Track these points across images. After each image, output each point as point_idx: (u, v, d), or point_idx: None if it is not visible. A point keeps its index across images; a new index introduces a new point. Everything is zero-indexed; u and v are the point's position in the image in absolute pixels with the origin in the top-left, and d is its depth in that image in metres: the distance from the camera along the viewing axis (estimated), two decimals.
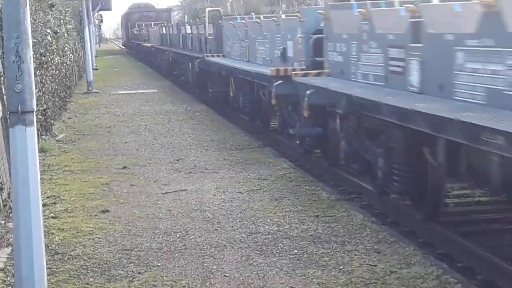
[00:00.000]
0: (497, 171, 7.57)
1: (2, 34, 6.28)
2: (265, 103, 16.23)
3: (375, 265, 7.44)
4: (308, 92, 11.61)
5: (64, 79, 21.93)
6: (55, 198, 10.45)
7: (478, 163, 8.12)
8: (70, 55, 25.78)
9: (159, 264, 7.62)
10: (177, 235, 8.62)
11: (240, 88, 18.34)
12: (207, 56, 21.31)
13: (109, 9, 57.62)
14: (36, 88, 6.15)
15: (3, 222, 8.80)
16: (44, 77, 15.67)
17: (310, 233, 8.58)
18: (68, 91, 24.25)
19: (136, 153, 14.24)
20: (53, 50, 18.12)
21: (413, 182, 9.08)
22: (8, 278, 7.12)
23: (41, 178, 6.93)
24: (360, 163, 10.77)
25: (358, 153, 10.77)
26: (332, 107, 10.90)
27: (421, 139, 8.56)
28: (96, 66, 39.78)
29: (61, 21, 22.66)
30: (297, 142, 13.56)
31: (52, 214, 9.56)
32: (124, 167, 12.71)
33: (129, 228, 8.94)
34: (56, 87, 18.71)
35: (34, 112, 5.59)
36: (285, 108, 14.11)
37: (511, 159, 6.51)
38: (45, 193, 10.60)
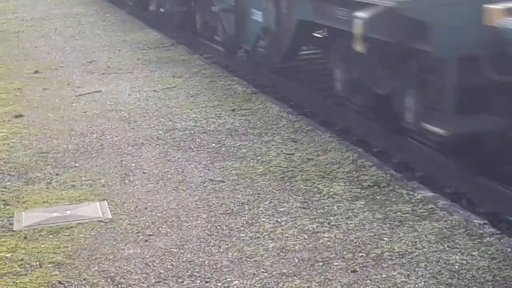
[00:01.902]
0: None
1: None
2: None
3: (292, 154, 7.53)
4: None
5: None
6: None
7: None
8: None
9: (76, 165, 7.57)
10: (94, 135, 8.55)
11: None
12: None
13: None
14: None
15: None
16: None
17: (227, 127, 8.61)
18: None
19: (47, 57, 13.94)
20: None
21: None
22: None
23: None
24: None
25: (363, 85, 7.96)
26: None
27: None
28: None
29: None
30: None
31: None
32: (36, 72, 12.44)
33: (44, 131, 8.82)
34: None
35: None
36: None
37: None
38: None
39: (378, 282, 4.89)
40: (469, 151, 6.89)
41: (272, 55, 10.39)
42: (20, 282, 5.12)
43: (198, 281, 5.02)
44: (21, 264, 5.40)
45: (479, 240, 5.41)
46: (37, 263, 5.40)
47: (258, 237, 5.67)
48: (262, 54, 10.84)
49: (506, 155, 6.75)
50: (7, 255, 5.55)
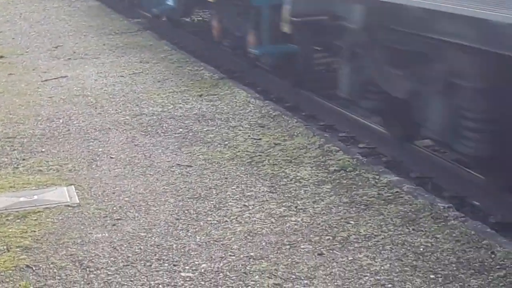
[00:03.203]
0: None
1: None
2: None
3: (260, 139, 7.57)
4: None
5: None
6: None
7: None
8: None
9: (43, 149, 7.54)
10: (60, 121, 8.53)
11: None
12: None
13: None
14: None
15: None
16: None
17: (195, 112, 8.63)
18: None
19: (12, 42, 13.85)
20: None
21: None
22: None
23: None
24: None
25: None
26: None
27: None
28: None
29: None
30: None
31: None
32: (1, 57, 12.36)
33: (10, 116, 8.77)
34: None
35: None
36: None
37: None
38: None
39: (344, 264, 4.95)
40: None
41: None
42: None
43: (166, 265, 5.05)
44: None
45: (443, 223, 5.49)
46: (5, 247, 5.39)
47: (226, 221, 5.70)
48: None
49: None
50: None
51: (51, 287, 4.81)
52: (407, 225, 5.48)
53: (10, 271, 5.03)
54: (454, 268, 4.84)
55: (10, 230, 5.67)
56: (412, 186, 6.26)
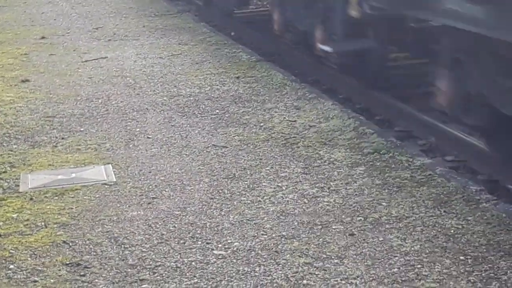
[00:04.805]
0: None
1: None
2: None
3: (295, 121, 7.62)
4: None
5: None
6: None
7: None
8: None
9: (82, 129, 7.67)
10: (99, 101, 8.65)
11: None
12: None
13: None
14: None
15: None
16: None
17: (231, 94, 8.70)
18: None
19: (54, 23, 14.01)
20: None
21: None
22: None
23: None
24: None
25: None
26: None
27: None
28: None
29: None
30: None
31: None
32: (43, 37, 12.52)
33: (50, 96, 8.92)
34: None
35: None
36: None
37: None
38: None
39: (375, 245, 5.00)
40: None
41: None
42: (25, 242, 5.24)
43: (200, 242, 5.14)
44: (27, 224, 5.52)
45: (475, 205, 5.52)
46: (43, 223, 5.52)
47: (259, 201, 5.78)
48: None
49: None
50: (13, 216, 5.68)
51: (87, 262, 4.92)
52: (439, 207, 5.51)
53: (47, 247, 5.15)
54: (484, 250, 4.87)
55: (48, 207, 5.80)
56: (445, 169, 6.29)
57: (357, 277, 4.62)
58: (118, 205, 5.81)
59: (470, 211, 5.42)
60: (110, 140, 7.30)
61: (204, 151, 6.88)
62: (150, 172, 6.45)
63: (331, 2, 8.71)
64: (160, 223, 5.45)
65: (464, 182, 5.97)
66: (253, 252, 4.97)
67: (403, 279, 4.58)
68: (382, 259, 4.81)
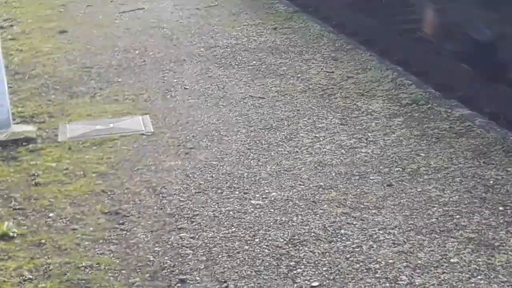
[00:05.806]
0: None
1: None
2: None
3: (332, 72, 7.58)
4: None
5: None
6: (11, 21, 10.35)
7: None
8: None
9: (119, 80, 7.69)
10: (136, 52, 8.66)
11: None
12: None
13: None
14: None
15: None
16: None
17: (268, 45, 8.66)
18: None
19: None
20: None
21: None
22: None
23: None
24: None
25: None
26: None
27: None
28: None
29: None
30: None
31: (9, 36, 9.50)
32: None
33: (88, 47, 8.94)
34: None
35: None
36: None
37: None
38: (1, 16, 10.51)
39: (413, 195, 4.98)
40: None
41: None
42: (65, 190, 5.29)
43: (237, 192, 5.16)
44: (66, 174, 5.57)
45: None
46: (81, 172, 5.57)
47: (296, 151, 5.77)
48: None
49: None
50: (52, 165, 5.72)
51: (125, 211, 4.96)
52: (478, 158, 5.47)
53: (87, 195, 5.20)
54: None
55: (87, 157, 5.84)
56: (484, 120, 6.22)
57: (395, 227, 4.61)
58: (156, 155, 5.83)
59: (509, 162, 5.37)
60: (148, 90, 7.31)
61: (241, 102, 6.87)
62: (187, 122, 6.46)
63: None
64: (197, 173, 5.47)
65: (504, 133, 5.90)
66: (290, 202, 4.98)
67: (442, 229, 4.56)
68: (420, 210, 4.80)
